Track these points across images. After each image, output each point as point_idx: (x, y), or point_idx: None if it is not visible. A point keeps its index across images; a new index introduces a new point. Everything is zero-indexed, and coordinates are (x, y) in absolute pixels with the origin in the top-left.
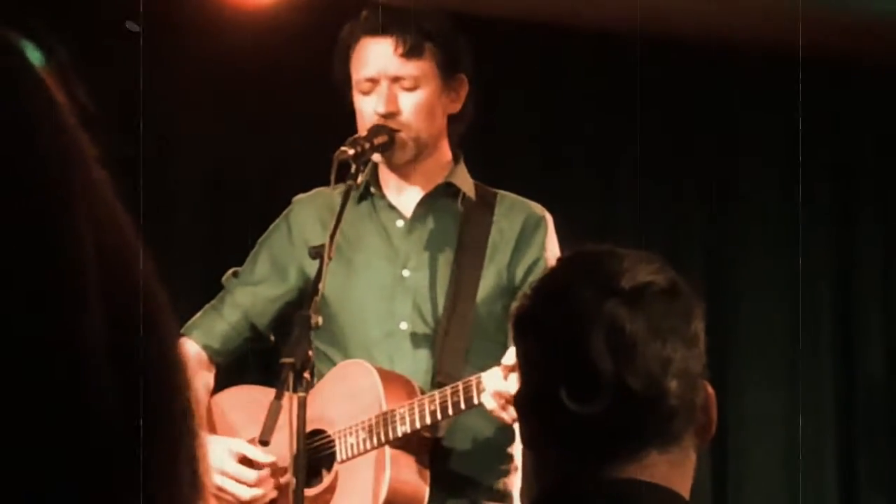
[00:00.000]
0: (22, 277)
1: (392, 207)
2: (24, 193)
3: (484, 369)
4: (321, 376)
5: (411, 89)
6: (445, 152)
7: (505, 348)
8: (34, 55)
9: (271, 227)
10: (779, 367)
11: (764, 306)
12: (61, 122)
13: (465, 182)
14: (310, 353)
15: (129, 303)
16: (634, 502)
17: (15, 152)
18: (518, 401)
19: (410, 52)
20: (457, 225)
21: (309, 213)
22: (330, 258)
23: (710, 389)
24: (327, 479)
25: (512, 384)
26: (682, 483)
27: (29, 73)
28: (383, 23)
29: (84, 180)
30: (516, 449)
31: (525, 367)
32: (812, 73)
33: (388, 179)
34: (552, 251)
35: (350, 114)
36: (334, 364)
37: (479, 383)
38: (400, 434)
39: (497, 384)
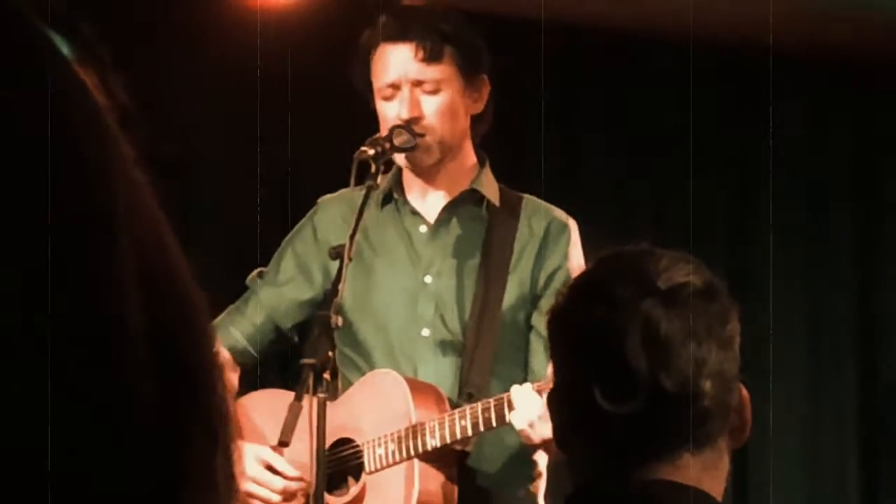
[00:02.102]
0: (60, 282)
1: (415, 213)
2: (64, 197)
3: (507, 378)
4: (346, 380)
5: (433, 92)
6: (470, 155)
7: (525, 357)
8: (71, 51)
9: (296, 227)
10: (800, 371)
11: (786, 309)
12: (102, 125)
13: (490, 188)
14: (330, 353)
15: (167, 304)
16: (666, 503)
17: (55, 155)
18: (552, 399)
19: (431, 57)
20: (481, 231)
21: (334, 215)
22: (350, 258)
23: (745, 392)
24: (355, 489)
25: (542, 401)
26: (715, 485)
27: (69, 75)
28: (402, 27)
29: (125, 183)
30: (540, 455)
31: (560, 365)
32: (826, 67)
33: (412, 184)
34: (575, 260)
35: (371, 115)
36: (359, 368)
37: (509, 400)
38: (429, 448)
39: (530, 402)
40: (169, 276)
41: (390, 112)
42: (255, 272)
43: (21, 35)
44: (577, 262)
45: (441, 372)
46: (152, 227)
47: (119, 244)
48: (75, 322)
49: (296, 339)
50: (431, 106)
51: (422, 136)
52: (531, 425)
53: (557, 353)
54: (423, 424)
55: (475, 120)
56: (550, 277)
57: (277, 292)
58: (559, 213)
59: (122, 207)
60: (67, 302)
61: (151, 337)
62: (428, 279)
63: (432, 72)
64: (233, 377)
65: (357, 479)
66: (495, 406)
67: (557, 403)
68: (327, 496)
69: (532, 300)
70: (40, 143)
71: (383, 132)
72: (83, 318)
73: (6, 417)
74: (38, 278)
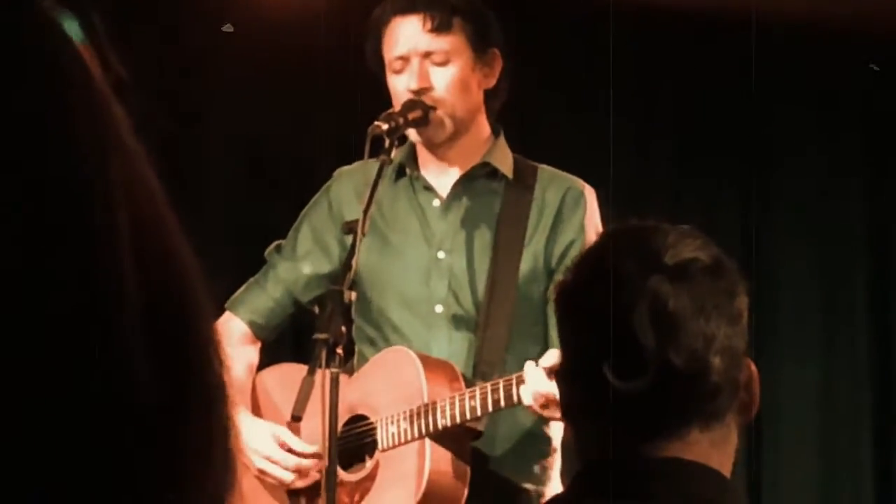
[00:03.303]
0: (55, 249)
1: (428, 188)
2: (58, 165)
3: (522, 353)
4: (361, 355)
5: (442, 64)
6: (483, 128)
7: (543, 331)
8: (72, 27)
9: (313, 200)
10: (814, 349)
11: (799, 288)
12: (97, 93)
13: (504, 160)
14: (343, 328)
15: (163, 278)
16: (675, 480)
17: (50, 124)
18: (560, 376)
19: (439, 27)
20: (494, 205)
21: (348, 188)
22: (363, 234)
23: (754, 367)
24: (368, 465)
25: (554, 385)
26: (723, 461)
27: (66, 45)
28: (412, 1)
29: (120, 152)
30: (554, 431)
31: (568, 342)
32: (849, 58)
33: (425, 159)
34: (591, 230)
35: (385, 93)
36: (373, 343)
37: (520, 380)
38: (440, 427)
39: (539, 384)
40: (165, 249)
41: (400, 85)
42: (272, 245)
43: (16, 6)
44: (593, 231)
45: (455, 348)
46: (148, 198)
47: (114, 215)
48: (70, 296)
49: (316, 311)
50: (441, 78)
51: (432, 108)
52: (543, 406)
53: (565, 330)
54: (434, 403)
55: (489, 95)
56: (566, 250)
57: (295, 267)
58: (575, 182)
59: (116, 177)
60: (62, 275)
61: (148, 313)
62: (441, 255)
63: (441, 42)
64: (253, 352)
65: (371, 456)
66: (505, 386)
67: (565, 380)
68: (342, 472)
69: (548, 273)
70: (34, 111)
71: (396, 107)
72: (78, 291)
73: (5, 392)
74: (31, 251)
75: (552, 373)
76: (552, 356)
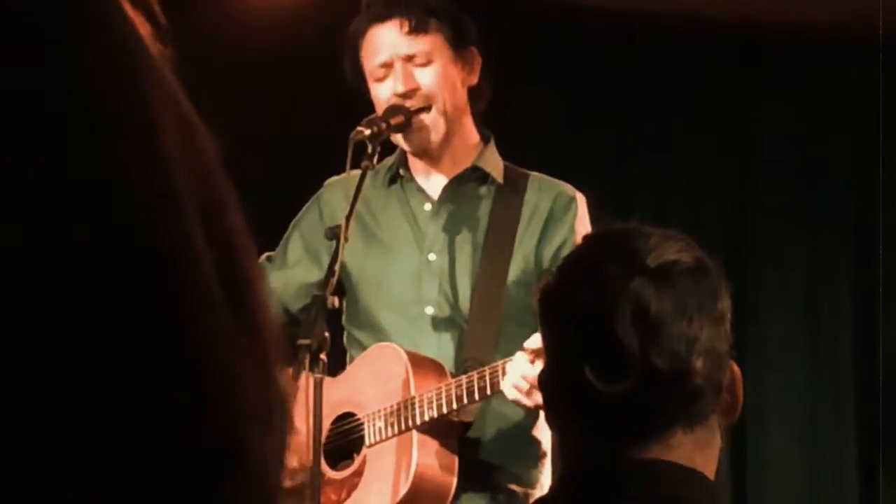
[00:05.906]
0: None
1: (420, 191)
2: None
3: (511, 354)
4: (353, 360)
5: (425, 64)
6: (472, 132)
7: (532, 333)
8: None
9: (303, 209)
10: (799, 349)
11: (784, 287)
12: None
13: (494, 165)
14: (326, 334)
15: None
16: (659, 483)
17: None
18: (542, 379)
19: (417, 28)
20: (485, 208)
21: (339, 197)
22: (346, 239)
23: (737, 369)
24: (356, 462)
25: (537, 368)
26: (707, 464)
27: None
28: (387, 7)
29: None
30: (544, 434)
31: (550, 345)
32: (834, 52)
33: (416, 165)
34: (581, 232)
35: (369, 100)
36: (364, 347)
37: (503, 368)
38: (426, 419)
39: (522, 369)
40: (220, 209)
41: (384, 92)
42: (262, 256)
43: None
44: (583, 235)
45: (444, 349)
46: (198, 154)
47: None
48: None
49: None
50: (427, 77)
51: (427, 109)
52: (527, 393)
53: (548, 333)
54: (421, 396)
55: (473, 95)
56: (557, 251)
57: (285, 275)
58: (566, 188)
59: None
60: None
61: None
62: (432, 257)
63: (421, 44)
64: None
65: (359, 452)
66: (490, 374)
67: (548, 384)
68: (329, 471)
69: (539, 276)
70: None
71: (379, 113)
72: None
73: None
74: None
75: (537, 356)
76: (536, 339)
